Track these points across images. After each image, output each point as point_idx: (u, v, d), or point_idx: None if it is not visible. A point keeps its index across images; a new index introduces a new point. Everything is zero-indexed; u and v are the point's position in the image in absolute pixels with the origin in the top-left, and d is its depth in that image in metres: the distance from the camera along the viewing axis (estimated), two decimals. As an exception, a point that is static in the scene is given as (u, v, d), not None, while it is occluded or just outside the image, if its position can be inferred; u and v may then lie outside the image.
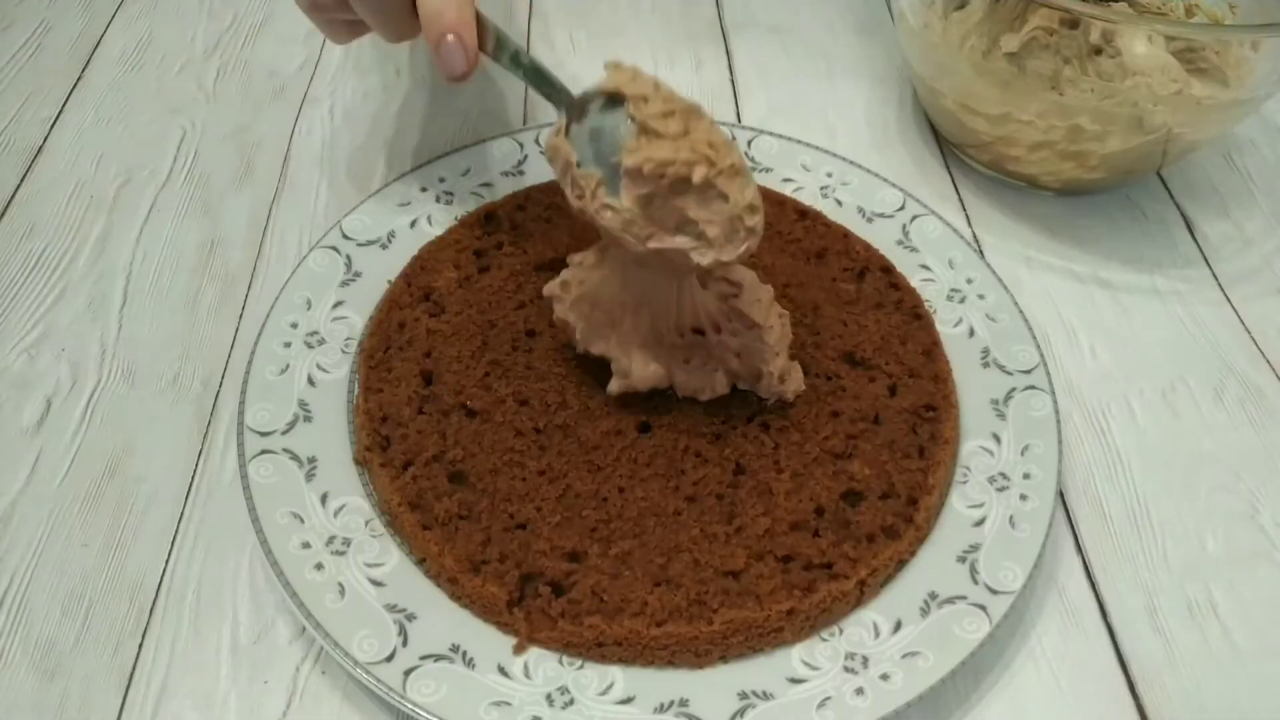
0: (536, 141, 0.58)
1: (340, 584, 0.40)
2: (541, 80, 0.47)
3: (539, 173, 0.56)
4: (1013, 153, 0.58)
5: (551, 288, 0.47)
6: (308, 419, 0.45)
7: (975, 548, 0.43)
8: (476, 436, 0.45)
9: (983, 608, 0.41)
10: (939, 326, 0.51)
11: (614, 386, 0.45)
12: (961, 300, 0.52)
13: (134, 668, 0.41)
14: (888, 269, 0.53)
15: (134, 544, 0.44)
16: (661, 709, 0.38)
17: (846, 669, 0.39)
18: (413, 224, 0.53)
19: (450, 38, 0.43)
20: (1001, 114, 0.56)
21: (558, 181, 0.44)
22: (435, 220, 0.54)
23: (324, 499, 0.43)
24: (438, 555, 0.41)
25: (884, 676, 0.39)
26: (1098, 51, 0.54)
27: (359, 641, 0.38)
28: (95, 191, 0.59)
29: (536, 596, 0.40)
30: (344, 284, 0.50)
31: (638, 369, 0.44)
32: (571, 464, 0.44)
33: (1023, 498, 0.44)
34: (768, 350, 0.44)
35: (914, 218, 0.56)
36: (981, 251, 0.58)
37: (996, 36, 0.56)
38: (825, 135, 0.65)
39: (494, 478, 0.43)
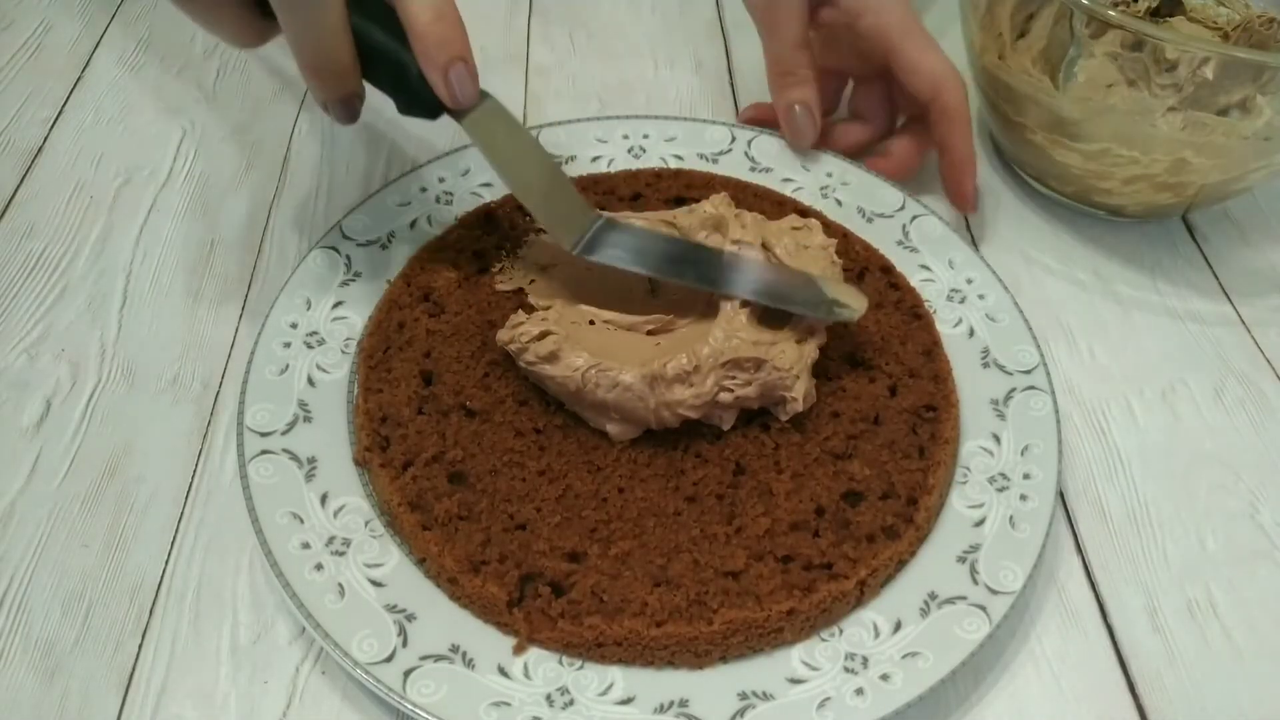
0: (536, 141, 0.58)
1: (340, 584, 0.40)
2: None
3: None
4: (1104, 185, 0.57)
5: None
6: (308, 419, 0.45)
7: (975, 548, 0.43)
8: (476, 436, 0.45)
9: (983, 608, 0.41)
10: (939, 326, 0.51)
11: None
12: (961, 300, 0.52)
13: (134, 668, 0.41)
14: (887, 269, 0.53)
15: (134, 544, 0.44)
16: (661, 709, 0.38)
17: (846, 669, 0.39)
18: (413, 224, 0.53)
19: (461, 65, 0.42)
20: (1101, 149, 0.55)
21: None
22: (435, 220, 0.54)
23: (324, 499, 0.43)
24: (438, 555, 0.41)
25: (884, 677, 0.39)
26: (1171, 69, 0.52)
27: (359, 642, 0.38)
28: (95, 191, 0.59)
29: (536, 597, 0.40)
30: (344, 284, 0.50)
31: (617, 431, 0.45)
32: (571, 464, 0.44)
33: (1023, 498, 0.44)
34: (790, 378, 0.45)
35: (914, 218, 0.56)
36: (980, 251, 0.58)
37: (1057, 64, 0.55)
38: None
39: (494, 478, 0.43)
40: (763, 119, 0.61)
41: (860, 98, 0.62)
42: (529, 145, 0.47)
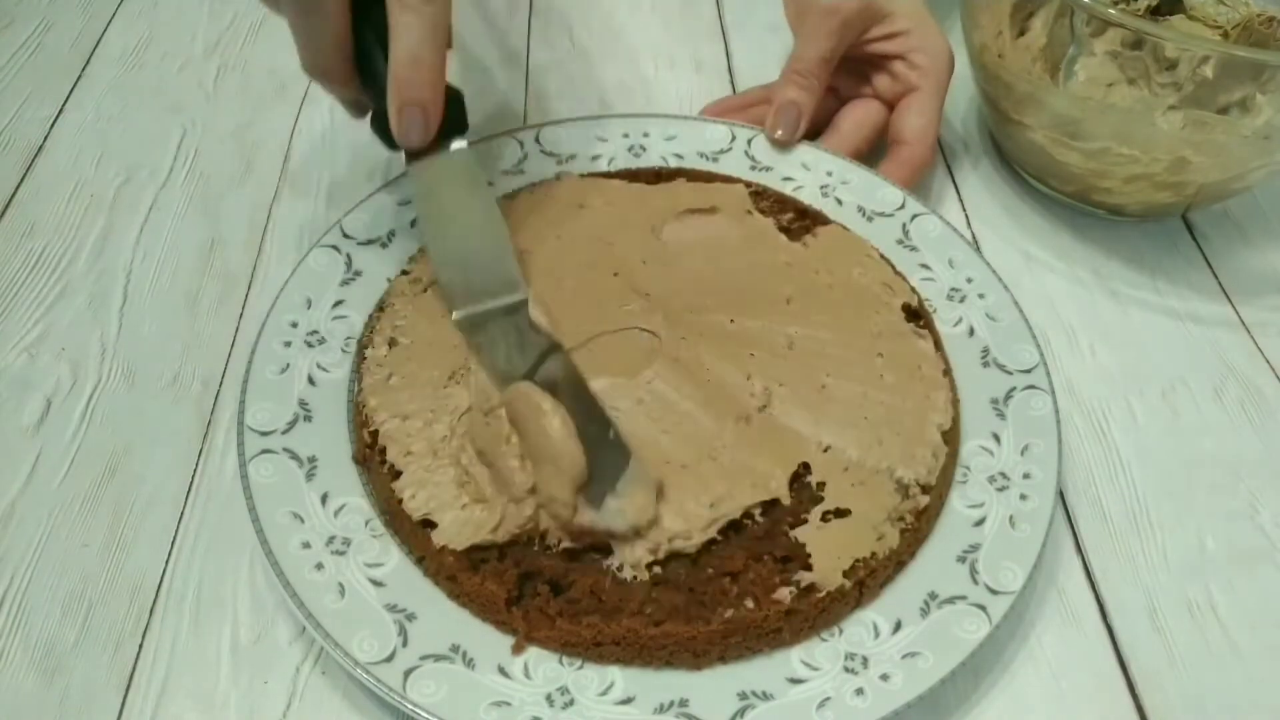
0: (537, 140, 0.58)
1: (340, 584, 0.40)
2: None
3: (539, 172, 0.56)
4: (1104, 184, 0.57)
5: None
6: (308, 419, 0.45)
7: (975, 548, 0.43)
8: (476, 436, 0.45)
9: (983, 608, 0.41)
10: (939, 326, 0.51)
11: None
12: (961, 299, 0.52)
13: (134, 668, 0.41)
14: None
15: (134, 544, 0.44)
16: (661, 709, 0.38)
17: (846, 669, 0.39)
18: (413, 223, 0.53)
19: (416, 111, 0.43)
20: (1101, 148, 0.55)
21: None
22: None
23: (324, 499, 0.43)
24: (437, 553, 0.41)
25: (884, 677, 0.39)
26: (1171, 67, 0.52)
27: (359, 642, 0.38)
28: (95, 191, 0.59)
29: (535, 595, 0.40)
30: (344, 283, 0.50)
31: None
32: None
33: (1023, 497, 0.44)
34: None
35: (914, 216, 0.56)
36: (980, 251, 0.58)
37: (1057, 63, 0.55)
38: (825, 134, 0.65)
39: (494, 477, 0.43)
40: (722, 114, 0.61)
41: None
42: (476, 212, 0.47)
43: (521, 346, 0.45)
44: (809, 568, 0.40)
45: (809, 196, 0.57)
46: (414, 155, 0.45)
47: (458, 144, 0.46)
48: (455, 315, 0.47)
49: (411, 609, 0.40)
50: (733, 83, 0.69)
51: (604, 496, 0.40)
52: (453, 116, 0.45)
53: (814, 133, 0.61)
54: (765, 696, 0.38)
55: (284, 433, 0.44)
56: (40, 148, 0.62)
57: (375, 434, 0.44)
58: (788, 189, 0.57)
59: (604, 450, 0.41)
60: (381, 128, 0.45)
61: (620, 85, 0.69)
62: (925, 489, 0.43)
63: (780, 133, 0.58)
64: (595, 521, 0.40)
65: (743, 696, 0.38)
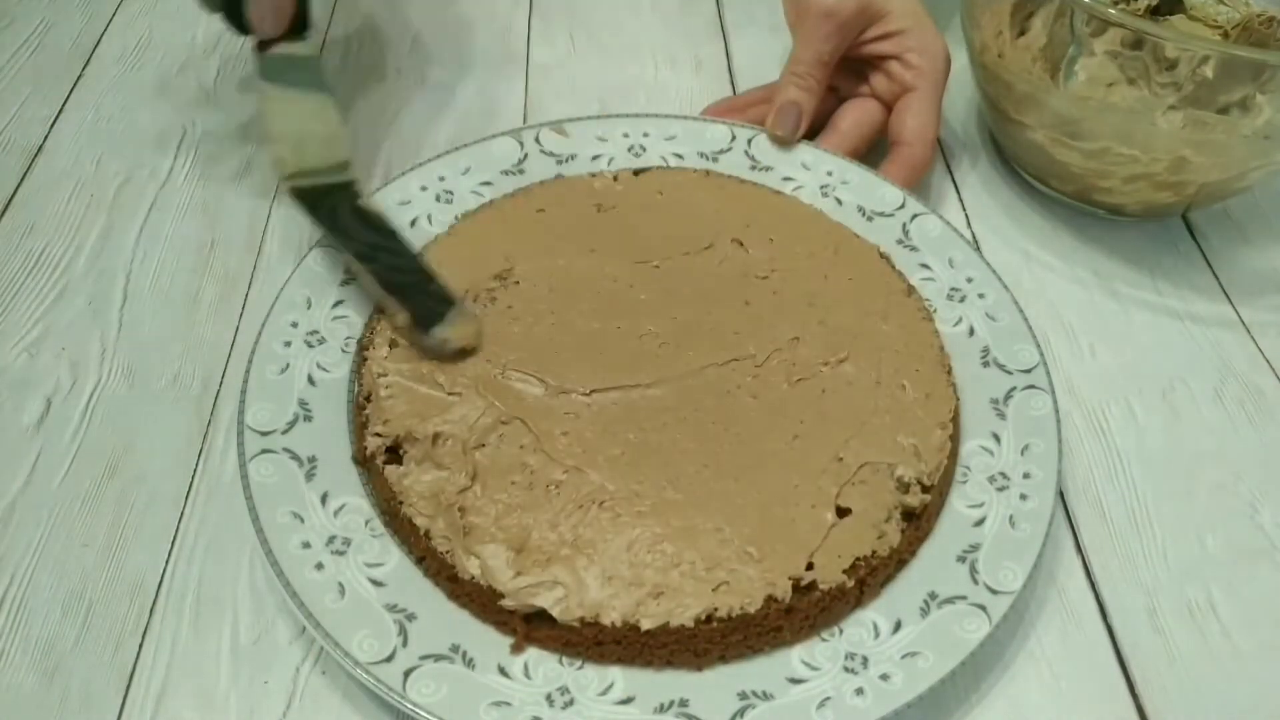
0: (537, 140, 0.58)
1: (340, 584, 0.40)
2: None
3: (539, 171, 0.56)
4: (1105, 184, 0.57)
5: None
6: (308, 418, 0.45)
7: (975, 547, 0.43)
8: (476, 436, 0.44)
9: (983, 608, 0.41)
10: (939, 325, 0.51)
11: None
12: (961, 299, 0.52)
13: (134, 668, 0.41)
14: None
15: (134, 544, 0.44)
16: (661, 709, 0.38)
17: (846, 669, 0.39)
18: (413, 223, 0.53)
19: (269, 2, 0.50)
20: (1101, 148, 0.55)
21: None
22: (435, 219, 0.54)
23: (324, 499, 0.43)
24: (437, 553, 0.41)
25: (884, 677, 0.39)
26: (1171, 67, 0.52)
27: (359, 641, 0.38)
28: (95, 191, 0.59)
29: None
30: (344, 283, 0.50)
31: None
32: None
33: (1023, 497, 0.44)
34: None
35: (914, 216, 0.56)
36: (980, 251, 0.58)
37: (1058, 63, 0.55)
38: (825, 134, 0.65)
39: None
40: (724, 115, 0.62)
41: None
42: (316, 102, 0.53)
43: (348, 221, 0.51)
44: (810, 566, 0.40)
45: (809, 196, 0.57)
46: (264, 44, 0.52)
47: (302, 40, 0.53)
48: (288, 184, 0.51)
49: (411, 609, 0.40)
50: (733, 83, 0.69)
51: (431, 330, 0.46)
52: (301, 13, 0.53)
53: (813, 132, 0.61)
54: (765, 696, 0.38)
55: (284, 433, 0.44)
56: (40, 148, 0.62)
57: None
58: (788, 189, 0.57)
59: (426, 298, 0.47)
60: (233, 16, 0.51)
61: (620, 85, 0.69)
62: (926, 488, 0.43)
63: (780, 132, 0.58)
64: (427, 345, 0.46)
65: (743, 696, 0.38)
